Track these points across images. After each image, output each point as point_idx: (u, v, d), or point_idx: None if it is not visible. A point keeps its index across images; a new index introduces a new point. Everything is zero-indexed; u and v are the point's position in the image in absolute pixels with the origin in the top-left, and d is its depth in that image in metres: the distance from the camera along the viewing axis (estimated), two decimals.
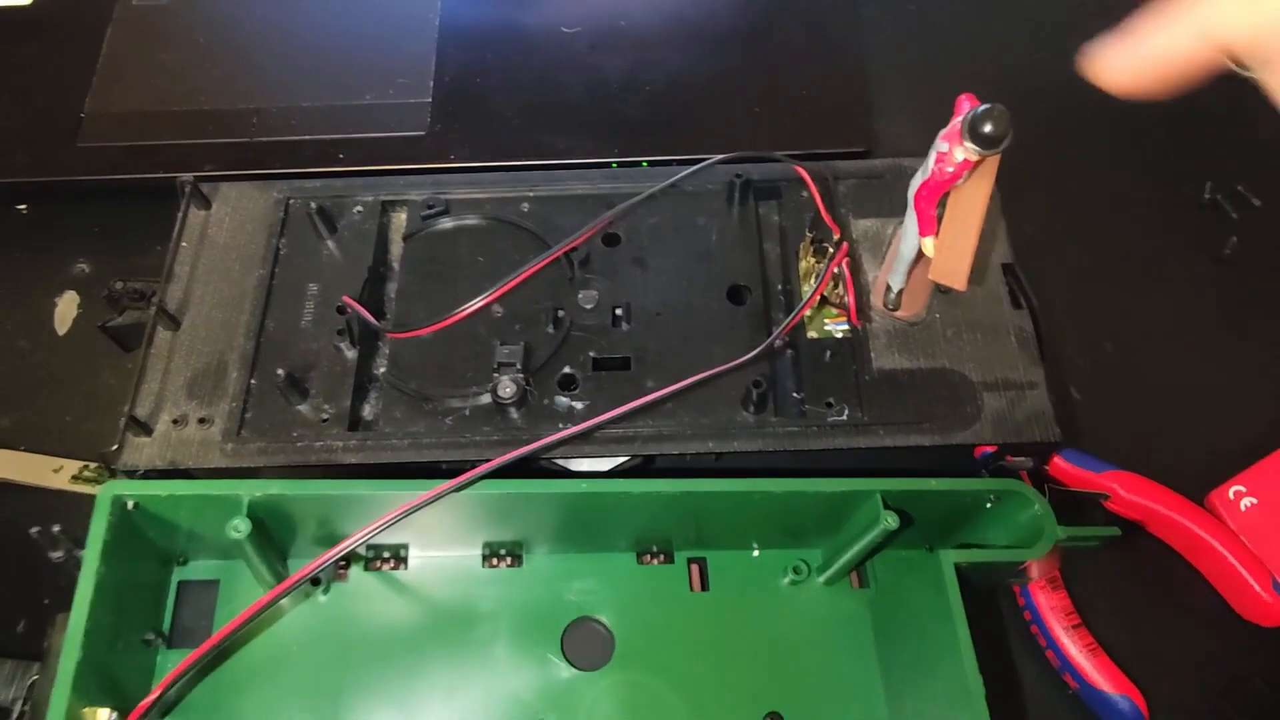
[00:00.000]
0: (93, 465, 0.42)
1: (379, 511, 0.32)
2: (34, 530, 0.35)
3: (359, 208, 0.41)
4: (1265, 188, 0.50)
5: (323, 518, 0.34)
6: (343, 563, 0.37)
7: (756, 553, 0.38)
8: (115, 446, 0.35)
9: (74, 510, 0.39)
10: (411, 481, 0.33)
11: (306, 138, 0.46)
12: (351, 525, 0.33)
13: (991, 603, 0.40)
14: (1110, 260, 0.48)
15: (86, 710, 0.30)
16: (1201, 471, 0.42)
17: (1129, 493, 0.41)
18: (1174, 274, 0.48)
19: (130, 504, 0.32)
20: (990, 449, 0.38)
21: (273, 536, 0.34)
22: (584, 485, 0.34)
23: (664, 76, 0.49)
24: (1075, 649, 0.38)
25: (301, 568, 0.32)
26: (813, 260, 0.40)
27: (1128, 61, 0.26)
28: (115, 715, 0.31)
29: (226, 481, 0.33)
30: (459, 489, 0.32)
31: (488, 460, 0.33)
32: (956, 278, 0.34)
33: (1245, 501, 0.41)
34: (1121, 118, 0.50)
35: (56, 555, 0.35)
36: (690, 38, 0.51)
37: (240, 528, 0.31)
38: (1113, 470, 0.41)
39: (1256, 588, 0.39)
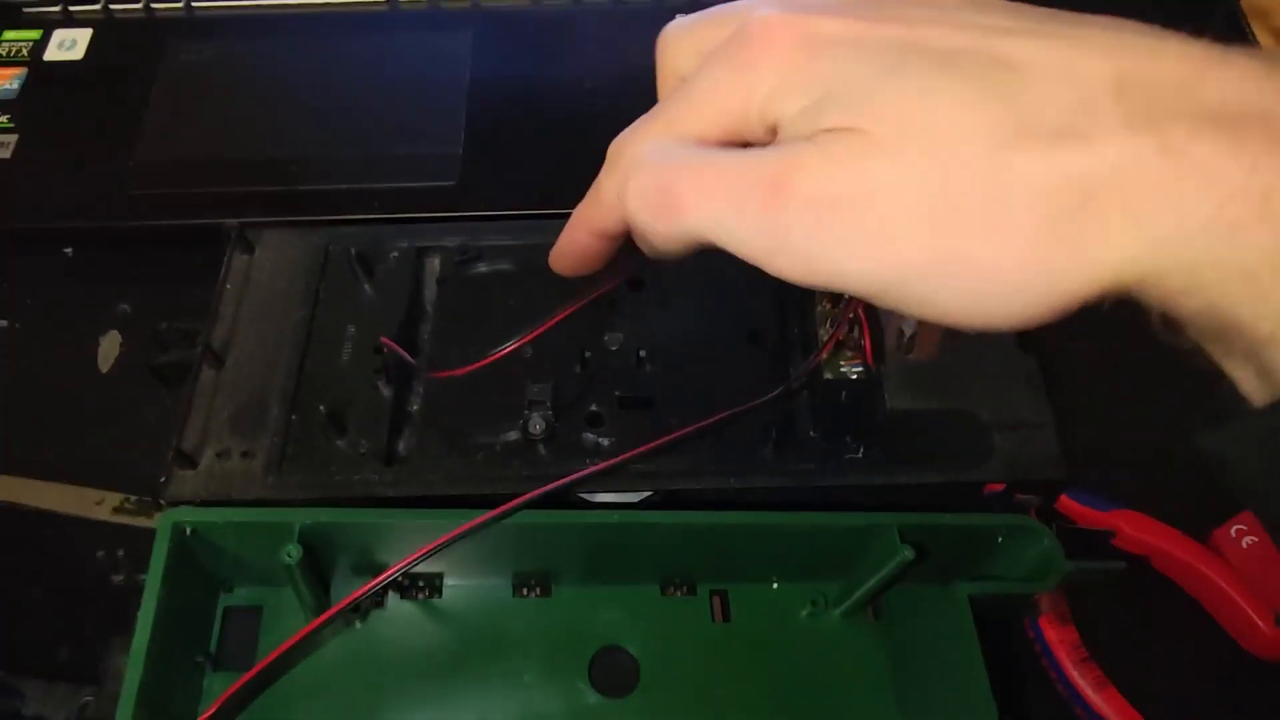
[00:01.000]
0: (133, 498, 0.43)
1: (421, 541, 0.34)
2: (100, 554, 0.36)
3: (395, 253, 0.43)
4: None
5: (366, 546, 0.36)
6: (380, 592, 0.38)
7: (776, 586, 0.40)
8: (163, 479, 0.36)
9: (116, 541, 0.41)
10: (456, 511, 0.34)
11: (344, 186, 0.48)
12: (392, 554, 0.34)
13: (1002, 636, 0.41)
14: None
15: None
16: (1204, 510, 0.43)
17: (1134, 531, 0.42)
18: None
19: (188, 530, 0.34)
20: (999, 487, 0.39)
21: (319, 563, 0.36)
22: (614, 516, 0.36)
23: None
24: (1084, 682, 0.40)
25: (347, 593, 0.34)
26: (829, 305, 0.42)
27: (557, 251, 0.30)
28: None
29: (277, 510, 0.34)
30: (502, 518, 0.34)
31: (521, 494, 0.35)
32: None
33: (1246, 540, 0.42)
34: None
35: (118, 579, 0.37)
36: None
37: (292, 553, 0.33)
38: (1118, 509, 0.43)
39: (1259, 622, 0.40)
